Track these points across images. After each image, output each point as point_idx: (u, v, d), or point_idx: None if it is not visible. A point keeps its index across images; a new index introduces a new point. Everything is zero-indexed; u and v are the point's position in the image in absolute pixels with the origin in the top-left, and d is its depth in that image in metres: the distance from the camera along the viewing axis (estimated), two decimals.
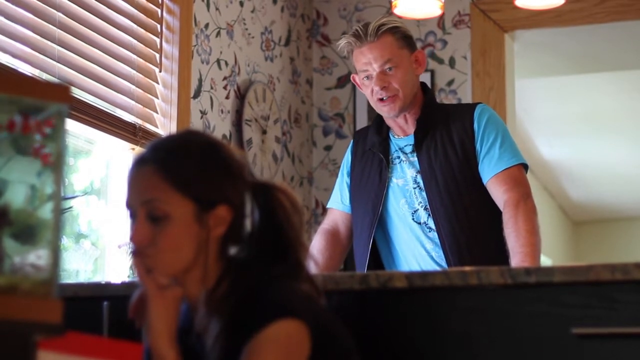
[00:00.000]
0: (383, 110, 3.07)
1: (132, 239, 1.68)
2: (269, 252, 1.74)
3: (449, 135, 3.05)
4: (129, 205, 1.70)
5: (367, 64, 3.03)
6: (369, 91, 3.06)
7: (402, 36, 3.06)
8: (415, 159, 3.07)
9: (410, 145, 3.09)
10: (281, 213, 1.74)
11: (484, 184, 3.01)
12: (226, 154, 1.75)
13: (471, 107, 3.11)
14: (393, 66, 3.01)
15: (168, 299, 1.65)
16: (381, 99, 3.03)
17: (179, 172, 1.69)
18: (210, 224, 1.69)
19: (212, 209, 1.69)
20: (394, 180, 3.10)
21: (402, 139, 3.12)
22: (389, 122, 3.13)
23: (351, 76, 3.22)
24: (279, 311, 1.62)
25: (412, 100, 3.06)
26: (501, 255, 2.92)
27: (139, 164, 1.71)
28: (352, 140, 3.32)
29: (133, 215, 1.70)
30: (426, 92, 3.15)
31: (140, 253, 1.67)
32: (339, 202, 3.26)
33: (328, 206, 3.31)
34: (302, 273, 1.74)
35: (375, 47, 3.01)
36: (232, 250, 1.76)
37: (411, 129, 3.10)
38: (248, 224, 1.77)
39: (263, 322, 1.60)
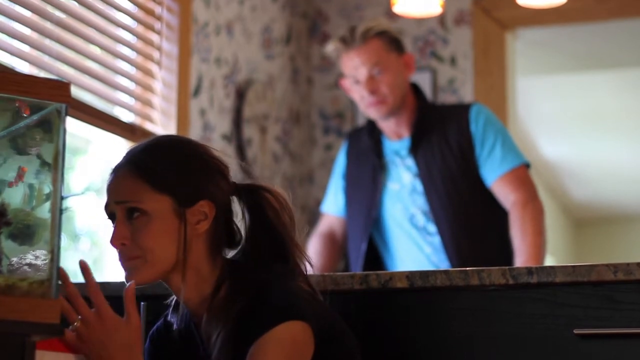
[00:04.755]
0: (371, 113, 3.07)
1: (112, 241, 1.68)
2: (265, 254, 1.73)
3: (445, 137, 3.03)
4: (107, 210, 1.70)
5: (355, 68, 3.02)
6: (358, 96, 3.06)
7: (389, 40, 3.04)
8: (412, 162, 3.06)
9: (405, 148, 3.08)
10: (271, 213, 1.73)
11: (488, 186, 3.00)
12: (203, 152, 1.74)
13: (466, 108, 3.09)
14: (381, 70, 3.00)
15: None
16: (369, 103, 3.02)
17: (152, 169, 1.68)
18: (190, 219, 1.68)
19: (192, 204, 1.68)
20: (389, 184, 3.08)
21: (396, 142, 3.10)
22: (381, 125, 3.12)
23: (339, 81, 3.21)
24: (283, 314, 1.61)
25: (402, 103, 3.05)
26: (504, 257, 2.92)
27: (114, 171, 1.71)
28: (345, 142, 3.30)
29: (113, 220, 1.70)
30: (418, 94, 3.13)
31: (126, 255, 1.67)
32: (333, 206, 3.26)
33: (322, 210, 3.30)
34: (300, 273, 1.73)
35: (362, 51, 3.00)
36: (229, 254, 1.75)
37: (405, 132, 3.09)
38: (240, 227, 1.76)
39: (268, 325, 1.60)
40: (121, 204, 1.68)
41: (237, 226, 1.76)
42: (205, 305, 1.68)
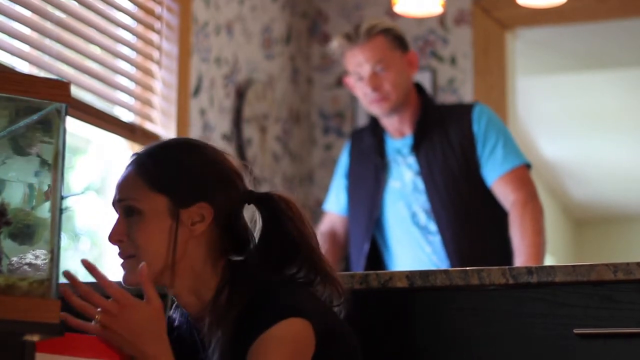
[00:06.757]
0: (374, 110, 3.08)
1: (109, 237, 1.71)
2: (275, 260, 1.72)
3: (447, 136, 3.04)
4: (113, 207, 1.74)
5: (358, 65, 3.03)
6: (361, 92, 3.06)
7: (394, 37, 3.05)
8: (413, 160, 3.06)
9: (407, 146, 3.08)
10: (287, 221, 1.72)
11: (489, 185, 3.00)
12: (213, 157, 1.74)
13: (468, 108, 3.10)
14: (384, 67, 3.01)
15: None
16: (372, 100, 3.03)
17: (151, 169, 1.70)
18: (185, 221, 1.67)
19: (188, 205, 1.68)
20: (391, 183, 3.09)
21: (398, 140, 3.11)
22: (383, 122, 3.12)
23: (343, 79, 3.21)
24: (285, 311, 1.61)
25: (405, 101, 3.05)
26: (504, 257, 2.92)
27: (124, 170, 1.74)
28: (348, 141, 3.32)
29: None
30: (422, 92, 3.14)
31: (122, 253, 1.70)
32: (335, 204, 3.26)
33: (325, 209, 3.31)
34: (316, 276, 1.72)
35: (366, 48, 3.01)
36: (234, 258, 1.74)
37: (407, 130, 3.09)
38: (251, 234, 1.75)
39: (268, 323, 1.59)
40: (120, 202, 1.71)
41: (249, 232, 1.75)
42: (207, 310, 1.68)
